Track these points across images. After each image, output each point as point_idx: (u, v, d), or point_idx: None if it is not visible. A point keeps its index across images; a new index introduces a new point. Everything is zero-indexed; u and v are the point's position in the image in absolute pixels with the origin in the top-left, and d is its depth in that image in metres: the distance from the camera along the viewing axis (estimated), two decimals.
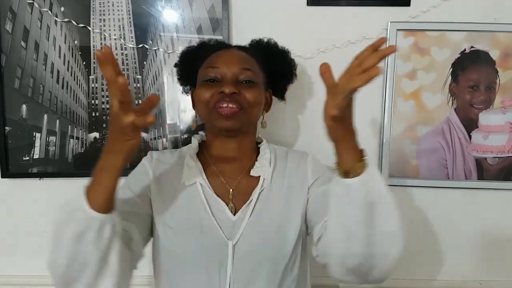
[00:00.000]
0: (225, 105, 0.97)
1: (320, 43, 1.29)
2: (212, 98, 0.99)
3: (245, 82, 1.01)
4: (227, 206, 0.99)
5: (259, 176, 1.03)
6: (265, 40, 1.14)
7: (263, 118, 1.12)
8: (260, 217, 0.99)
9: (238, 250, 0.95)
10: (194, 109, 1.12)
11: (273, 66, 1.10)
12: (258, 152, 1.10)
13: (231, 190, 1.02)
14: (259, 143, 1.13)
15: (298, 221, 1.01)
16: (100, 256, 0.80)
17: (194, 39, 1.28)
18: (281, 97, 1.18)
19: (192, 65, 1.10)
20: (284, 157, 1.09)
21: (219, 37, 1.27)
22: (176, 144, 1.34)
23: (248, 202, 0.99)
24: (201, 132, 1.19)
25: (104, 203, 0.82)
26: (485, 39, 1.27)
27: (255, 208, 0.99)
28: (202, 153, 1.08)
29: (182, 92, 1.19)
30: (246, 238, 0.96)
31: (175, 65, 1.18)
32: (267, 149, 1.09)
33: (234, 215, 0.98)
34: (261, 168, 1.04)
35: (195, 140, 1.10)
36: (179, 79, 1.19)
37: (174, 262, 0.98)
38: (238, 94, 0.98)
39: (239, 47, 1.09)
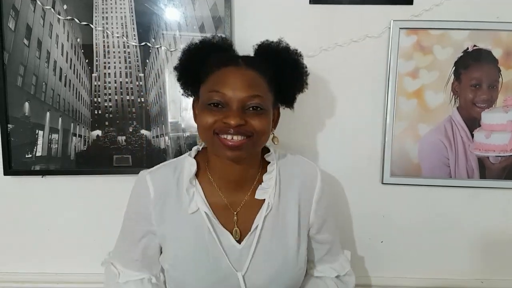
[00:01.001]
0: (229, 137, 0.89)
1: (322, 41, 1.29)
2: (216, 125, 0.90)
3: (252, 108, 0.91)
4: (232, 232, 0.97)
5: (264, 199, 1.00)
6: (276, 45, 1.01)
7: (273, 136, 1.04)
8: (266, 246, 0.97)
9: (248, 281, 0.95)
10: (196, 122, 1.02)
11: (283, 78, 0.99)
12: (264, 167, 1.04)
13: (235, 213, 0.99)
14: (264, 152, 1.07)
15: (304, 246, 1.03)
16: None
17: (197, 37, 1.28)
18: (290, 105, 1.06)
19: (195, 72, 1.00)
20: (291, 175, 1.04)
21: (222, 35, 1.26)
22: (178, 142, 1.34)
23: (253, 229, 0.97)
24: (196, 147, 1.09)
25: None
26: (487, 37, 1.26)
27: (261, 236, 0.97)
28: (203, 169, 1.02)
29: (182, 95, 1.09)
30: (255, 269, 0.96)
31: (175, 68, 1.06)
32: (274, 165, 1.03)
33: (239, 242, 0.97)
34: (267, 190, 1.00)
35: (192, 160, 1.01)
36: (179, 83, 1.07)
37: None
38: (244, 125, 0.89)
39: (247, 62, 0.95)
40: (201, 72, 0.98)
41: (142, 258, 1.02)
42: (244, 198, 1.00)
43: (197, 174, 1.01)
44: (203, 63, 0.98)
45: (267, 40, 1.03)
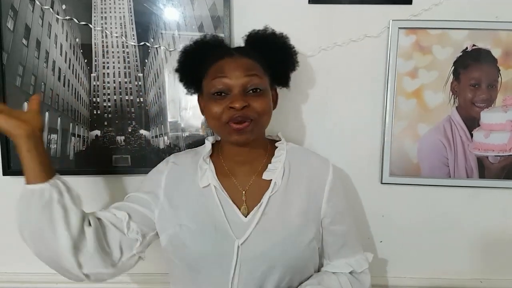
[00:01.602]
0: (237, 122, 0.97)
1: (321, 41, 1.29)
2: (224, 114, 0.98)
3: (252, 91, 1.00)
4: (240, 208, 1.03)
5: (271, 180, 1.05)
6: (262, 31, 1.11)
7: None
8: (269, 222, 1.01)
9: (244, 250, 0.98)
10: (203, 115, 1.12)
11: (274, 58, 1.08)
12: (273, 152, 1.11)
13: (243, 192, 1.05)
14: (277, 141, 1.15)
15: (312, 231, 1.04)
16: (49, 218, 0.94)
17: (196, 37, 1.27)
18: (286, 85, 1.15)
19: (194, 70, 1.09)
20: (301, 163, 1.10)
21: (221, 35, 1.26)
22: (178, 142, 1.34)
23: (258, 205, 1.02)
24: (210, 138, 1.17)
25: (35, 176, 0.94)
26: (487, 37, 1.26)
27: (264, 212, 1.01)
28: (216, 154, 1.11)
29: (186, 93, 1.17)
30: (253, 240, 0.99)
31: (176, 71, 1.15)
32: (283, 151, 1.10)
33: (246, 216, 1.02)
34: (274, 171, 1.06)
35: (208, 143, 1.12)
36: (182, 83, 1.15)
37: (189, 260, 1.01)
38: (247, 107, 0.97)
39: (241, 51, 1.05)
40: (200, 70, 1.06)
41: (134, 209, 1.07)
42: (252, 178, 1.06)
43: (212, 158, 1.10)
44: (201, 61, 1.07)
45: (253, 30, 1.11)
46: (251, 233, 0.99)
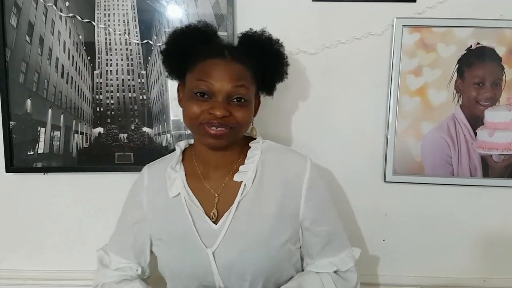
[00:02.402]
0: (213, 128, 0.94)
1: (325, 39, 1.28)
2: (202, 115, 0.94)
3: (236, 100, 0.95)
4: (209, 214, 1.01)
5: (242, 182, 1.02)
6: (259, 35, 1.04)
7: (252, 125, 1.06)
8: (239, 227, 0.99)
9: (219, 258, 0.97)
10: (180, 105, 1.06)
11: (266, 65, 1.03)
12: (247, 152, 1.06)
13: (216, 195, 1.03)
14: (253, 139, 1.10)
15: (287, 233, 1.01)
16: None
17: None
18: (270, 94, 1.10)
19: (181, 57, 1.02)
20: (277, 162, 1.04)
21: (224, 33, 1.25)
22: (181, 140, 1.33)
23: (228, 211, 0.99)
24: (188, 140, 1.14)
25: None
26: (491, 35, 1.26)
27: (234, 216, 0.99)
28: (190, 157, 1.08)
29: (167, 77, 1.15)
30: (226, 247, 0.98)
31: (161, 52, 1.10)
32: (257, 151, 1.05)
33: (216, 223, 1.00)
34: (245, 173, 1.02)
35: (178, 149, 1.09)
36: (164, 66, 1.09)
37: (168, 273, 1.05)
38: (228, 116, 0.94)
39: (233, 54, 0.98)
40: (187, 61, 1.01)
41: (133, 245, 1.08)
42: (225, 181, 1.04)
43: (184, 161, 1.08)
44: (189, 49, 1.01)
45: (250, 29, 1.05)
46: (221, 241, 0.97)
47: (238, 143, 1.06)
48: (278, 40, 1.05)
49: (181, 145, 1.10)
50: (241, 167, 1.03)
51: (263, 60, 1.02)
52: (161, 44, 1.29)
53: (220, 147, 0.99)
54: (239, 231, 0.98)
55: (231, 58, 0.97)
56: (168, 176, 1.04)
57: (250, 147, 1.07)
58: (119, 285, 1.05)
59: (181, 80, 1.06)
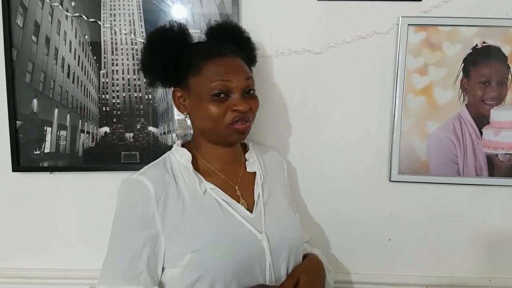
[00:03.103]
0: (241, 123, 0.98)
1: (330, 38, 1.28)
2: (227, 115, 0.97)
3: (247, 92, 1.01)
4: (240, 204, 1.03)
5: (254, 172, 1.10)
6: (227, 25, 1.13)
7: None
8: (271, 210, 1.05)
9: (270, 241, 0.99)
10: (180, 111, 1.05)
11: (246, 51, 1.11)
12: (243, 149, 1.15)
13: (236, 187, 1.05)
14: None
15: (294, 210, 1.15)
16: None
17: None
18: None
19: (169, 62, 1.02)
20: (265, 155, 1.19)
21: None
22: (186, 139, 1.34)
23: (257, 198, 1.05)
24: (178, 142, 1.10)
25: None
26: (497, 34, 1.25)
27: (264, 201, 1.05)
28: (195, 158, 1.04)
29: (149, 85, 1.10)
30: (270, 230, 1.01)
31: (141, 68, 1.07)
32: (252, 147, 1.15)
33: (251, 211, 1.03)
34: (254, 164, 1.11)
35: (183, 151, 1.03)
36: (147, 75, 1.06)
37: (224, 272, 0.93)
38: (249, 109, 1.00)
39: (231, 50, 1.02)
40: (182, 65, 1.01)
41: (147, 268, 0.94)
42: (240, 173, 1.09)
43: (195, 163, 1.04)
44: (173, 53, 1.02)
45: (216, 21, 1.17)
46: (265, 225, 1.01)
47: None
48: (241, 27, 1.17)
49: (180, 145, 1.08)
50: (250, 159, 1.12)
51: (242, 44, 1.11)
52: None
53: (241, 141, 1.08)
54: (273, 214, 1.05)
55: (232, 54, 1.02)
56: (184, 178, 1.00)
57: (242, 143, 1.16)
58: None
59: (179, 86, 1.03)
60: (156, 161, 1.06)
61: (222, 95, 0.97)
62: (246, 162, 1.11)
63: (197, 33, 1.27)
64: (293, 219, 1.11)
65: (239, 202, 1.02)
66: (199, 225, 0.95)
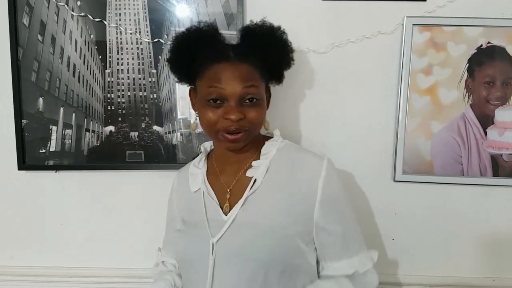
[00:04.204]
0: (231, 133, 0.96)
1: (334, 37, 1.28)
2: (219, 122, 0.97)
3: (248, 100, 0.97)
4: (222, 206, 1.03)
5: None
6: (259, 27, 1.04)
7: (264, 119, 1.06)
8: (246, 219, 0.99)
9: (218, 248, 0.98)
10: (193, 109, 1.09)
11: (272, 57, 1.03)
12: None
13: (228, 189, 1.05)
14: (270, 137, 1.10)
15: (295, 229, 0.99)
16: None
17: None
18: (279, 82, 1.12)
19: (187, 62, 1.04)
20: (292, 161, 1.04)
21: (233, 32, 1.25)
22: (191, 138, 1.34)
23: (237, 203, 1.01)
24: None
25: None
26: (502, 34, 1.25)
27: (242, 208, 1.00)
28: (211, 157, 1.14)
29: (177, 82, 1.13)
30: (228, 238, 0.98)
31: (167, 61, 1.10)
32: (272, 148, 1.06)
33: (226, 215, 1.02)
34: (257, 169, 1.03)
35: (203, 149, 1.15)
36: (173, 74, 1.10)
37: (178, 261, 1.13)
38: (243, 119, 0.95)
39: (238, 54, 0.98)
40: (194, 67, 1.02)
41: (169, 241, 1.19)
42: (237, 176, 1.06)
43: (208, 161, 1.13)
44: (194, 53, 1.02)
45: (251, 21, 1.06)
46: (226, 231, 0.98)
47: (255, 141, 1.06)
48: (280, 27, 1.06)
49: (206, 145, 1.17)
50: (253, 163, 1.04)
51: (268, 50, 1.02)
52: (171, 43, 1.29)
53: (238, 149, 1.03)
54: (244, 222, 0.99)
55: (237, 59, 0.98)
56: (190, 173, 1.12)
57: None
58: (156, 281, 1.15)
59: (192, 85, 1.07)
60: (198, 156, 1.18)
61: (218, 101, 0.96)
62: (252, 164, 1.05)
63: None
64: (266, 237, 0.96)
65: (222, 205, 1.03)
66: (183, 213, 1.10)
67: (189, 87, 1.09)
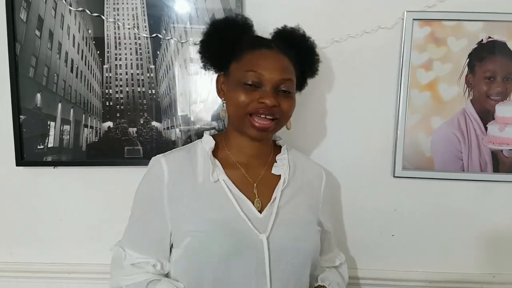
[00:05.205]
0: (262, 117, 0.97)
1: (334, 32, 1.28)
2: (251, 105, 0.97)
3: (283, 91, 0.99)
4: (253, 202, 1.01)
5: (279, 175, 1.06)
6: (292, 31, 1.09)
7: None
8: (285, 216, 1.02)
9: (272, 243, 0.97)
10: (219, 95, 1.08)
11: (303, 64, 1.08)
12: (276, 149, 1.12)
13: (255, 185, 1.04)
14: (276, 140, 1.16)
15: (316, 226, 1.08)
16: None
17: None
18: (300, 89, 1.14)
19: (221, 48, 1.04)
20: (302, 163, 1.13)
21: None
22: (189, 134, 1.34)
23: (272, 200, 1.02)
24: (211, 131, 1.14)
25: None
26: (502, 29, 1.25)
27: (279, 206, 1.02)
28: (221, 147, 1.07)
29: (202, 67, 1.10)
30: (277, 233, 0.99)
31: (201, 42, 1.09)
32: (286, 150, 1.11)
33: (260, 212, 1.00)
34: (282, 167, 1.07)
35: (210, 138, 1.06)
36: (201, 57, 1.09)
37: (214, 263, 0.96)
38: (276, 106, 0.97)
39: (279, 46, 1.02)
40: (230, 51, 1.03)
41: (150, 240, 1.03)
42: (262, 172, 1.06)
43: (214, 151, 1.05)
44: (230, 40, 1.03)
45: (285, 25, 1.10)
46: (272, 227, 0.98)
47: (271, 137, 1.11)
48: (310, 37, 1.10)
49: (210, 133, 1.10)
50: (278, 161, 1.08)
51: (298, 55, 1.05)
52: (170, 38, 1.28)
53: (262, 139, 1.04)
54: (286, 218, 1.01)
55: (278, 50, 1.01)
56: (204, 163, 1.02)
57: (276, 144, 1.14)
58: None
59: (222, 70, 1.07)
60: (184, 146, 1.12)
61: (253, 86, 0.97)
62: (274, 163, 1.08)
63: (201, 29, 1.27)
64: (307, 231, 1.04)
65: (253, 200, 1.01)
66: (201, 211, 0.98)
67: (218, 73, 1.08)
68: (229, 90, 1.02)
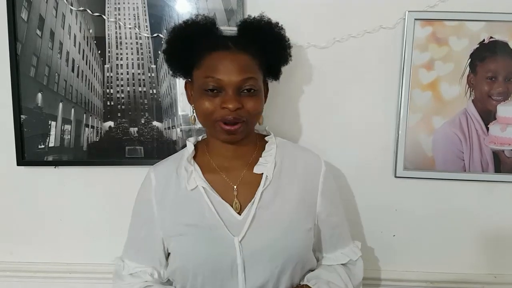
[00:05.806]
0: (228, 123, 0.95)
1: (336, 32, 1.27)
2: (215, 112, 0.96)
3: (246, 90, 0.96)
4: (232, 204, 1.01)
5: (262, 174, 1.03)
6: (258, 21, 1.04)
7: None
8: (264, 217, 0.99)
9: (245, 247, 0.97)
10: (189, 102, 1.08)
11: (268, 50, 1.03)
12: (263, 146, 1.09)
13: (234, 187, 1.03)
14: (265, 135, 1.13)
15: (308, 222, 1.03)
16: None
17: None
18: (276, 78, 1.11)
19: (184, 55, 1.02)
20: (294, 156, 1.08)
21: (234, 28, 1.22)
22: (191, 134, 1.33)
23: (252, 201, 1.00)
24: (194, 137, 1.14)
25: None
26: (504, 29, 1.24)
27: (258, 207, 1.00)
28: (201, 153, 1.08)
29: (172, 75, 1.11)
30: (251, 237, 0.97)
31: (163, 52, 1.08)
32: (274, 145, 1.08)
33: (240, 213, 1.00)
34: (265, 165, 1.04)
35: (190, 144, 1.08)
36: (168, 66, 1.09)
37: (193, 267, 0.99)
38: (241, 108, 0.95)
39: (236, 44, 0.99)
40: (191, 57, 1.01)
41: (145, 248, 1.07)
42: (242, 173, 1.05)
43: (196, 157, 1.07)
44: (191, 44, 1.01)
45: (249, 16, 1.07)
46: (248, 230, 0.97)
47: (252, 135, 1.09)
48: (278, 23, 1.06)
49: (192, 141, 1.10)
50: (260, 159, 1.05)
51: (265, 45, 1.02)
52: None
53: (235, 141, 1.01)
54: (265, 220, 0.99)
55: (235, 49, 0.98)
56: (185, 169, 1.04)
57: (264, 141, 1.10)
58: None
59: (188, 77, 1.06)
60: (174, 154, 1.14)
61: (215, 91, 0.95)
62: (259, 161, 1.05)
63: None
64: (291, 231, 1.00)
65: (231, 202, 1.01)
66: (181, 215, 1.02)
67: (185, 80, 1.08)
68: (195, 98, 1.01)
